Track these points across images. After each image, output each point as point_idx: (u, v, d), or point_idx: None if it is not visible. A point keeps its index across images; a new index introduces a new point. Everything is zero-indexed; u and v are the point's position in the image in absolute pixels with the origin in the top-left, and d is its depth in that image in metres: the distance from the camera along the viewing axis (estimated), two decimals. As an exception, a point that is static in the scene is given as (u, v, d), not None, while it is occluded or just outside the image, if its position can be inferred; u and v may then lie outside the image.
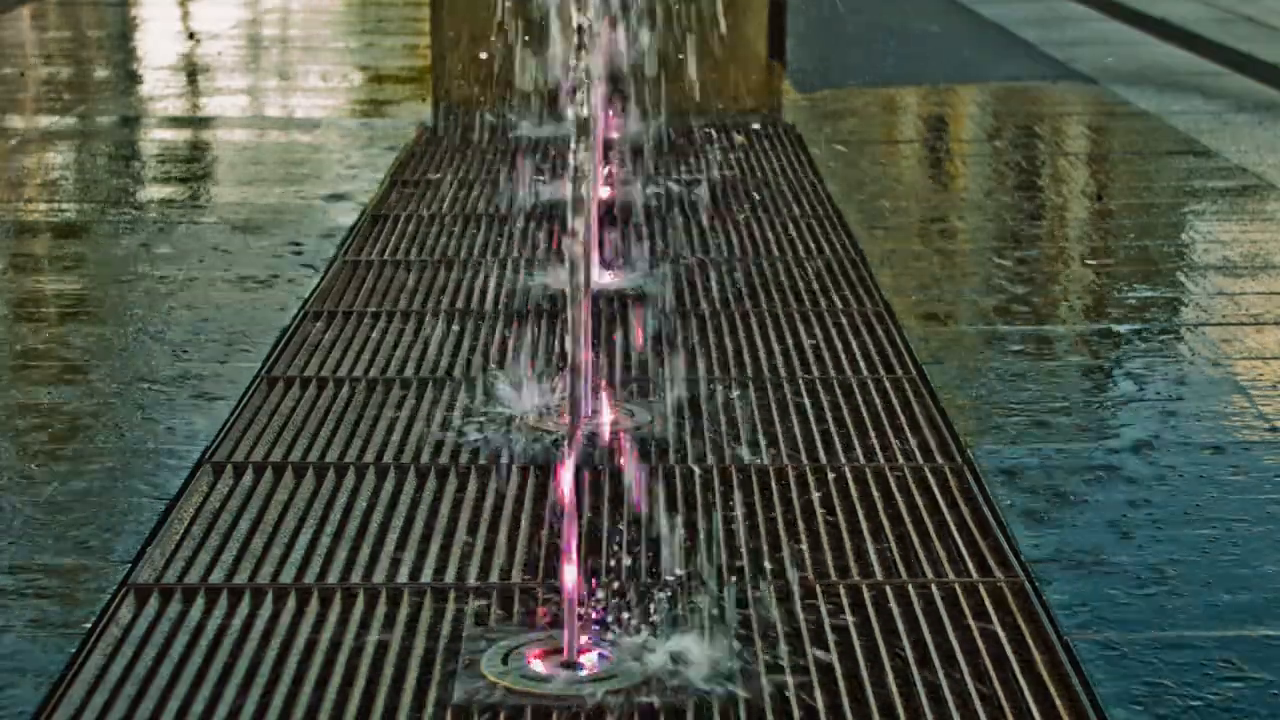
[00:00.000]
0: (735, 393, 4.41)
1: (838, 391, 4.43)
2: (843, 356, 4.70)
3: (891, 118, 8.76)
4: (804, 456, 4.00)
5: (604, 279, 5.35)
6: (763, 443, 4.08)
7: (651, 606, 3.22)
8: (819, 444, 4.07)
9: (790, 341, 4.82)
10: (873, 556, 3.47)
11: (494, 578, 3.37)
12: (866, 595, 3.30)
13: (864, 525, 3.62)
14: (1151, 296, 5.35)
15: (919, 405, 4.33)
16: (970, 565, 3.44)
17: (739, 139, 7.55)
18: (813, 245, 5.84)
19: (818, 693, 2.94)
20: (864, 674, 3.00)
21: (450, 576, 3.37)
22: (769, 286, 5.34)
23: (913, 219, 6.48)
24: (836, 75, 9.47)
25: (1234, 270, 5.62)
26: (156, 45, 10.94)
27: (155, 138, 7.96)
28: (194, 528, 3.60)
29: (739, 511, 3.68)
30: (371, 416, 4.24)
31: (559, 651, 3.04)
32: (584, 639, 3.06)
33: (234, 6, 12.56)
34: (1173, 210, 6.54)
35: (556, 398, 4.32)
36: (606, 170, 6.58)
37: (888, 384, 4.48)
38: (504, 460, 3.96)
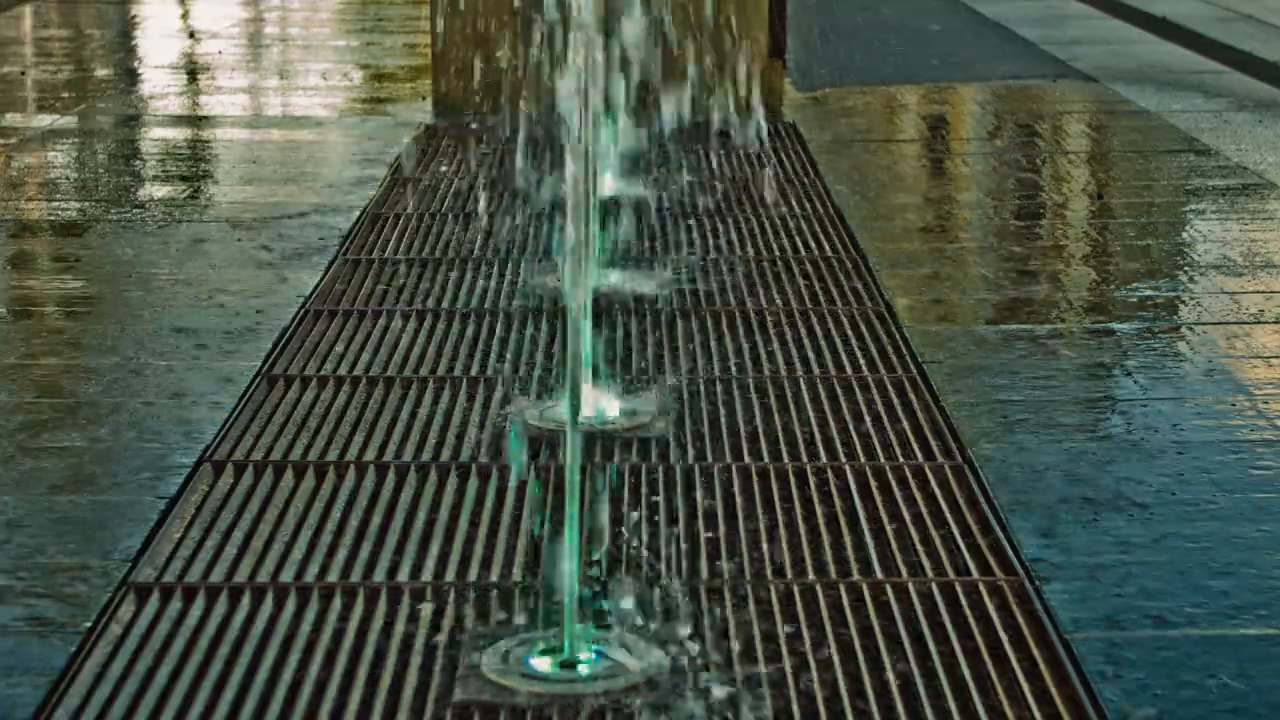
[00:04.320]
0: (735, 391, 4.41)
1: (838, 390, 4.43)
2: (843, 356, 4.70)
3: (892, 116, 8.76)
4: (804, 455, 4.00)
5: (604, 277, 5.35)
6: (763, 441, 4.08)
7: (651, 605, 3.22)
8: (819, 443, 4.07)
9: (790, 341, 4.82)
10: (873, 555, 3.47)
11: (494, 577, 3.37)
12: (867, 594, 3.30)
13: (864, 524, 3.62)
14: (1151, 295, 5.35)
15: (919, 405, 4.33)
16: (970, 564, 3.44)
17: (739, 139, 7.55)
18: (813, 245, 5.84)
19: (818, 692, 2.94)
20: (864, 673, 3.00)
21: (450, 576, 3.37)
22: (769, 286, 5.34)
23: (913, 218, 6.48)
24: (837, 74, 9.47)
25: (1234, 269, 5.62)
26: (156, 44, 10.94)
27: (155, 137, 7.96)
28: (194, 527, 3.60)
29: (739, 510, 3.68)
30: (371, 415, 4.24)
31: (559, 650, 3.04)
32: (583, 638, 3.06)
33: (234, 5, 12.56)
34: (1173, 209, 6.54)
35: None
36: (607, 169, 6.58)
37: (888, 383, 4.48)
38: (504, 458, 3.96)
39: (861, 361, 4.66)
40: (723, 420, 4.22)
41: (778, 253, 5.73)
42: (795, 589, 3.31)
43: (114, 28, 11.88)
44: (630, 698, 2.91)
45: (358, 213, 6.28)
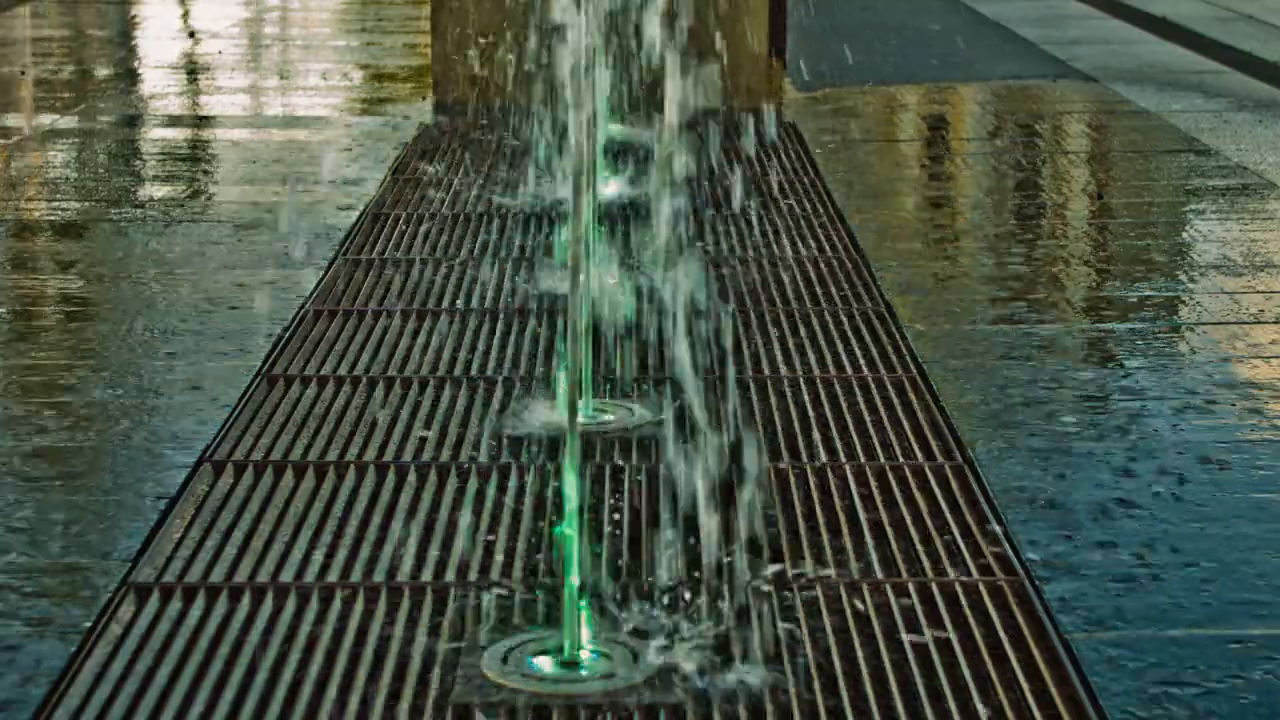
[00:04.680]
0: (735, 391, 4.41)
1: (838, 390, 4.43)
2: (843, 356, 4.70)
3: (892, 116, 8.76)
4: (804, 455, 4.00)
5: (605, 278, 5.35)
6: (763, 441, 4.08)
7: (651, 605, 3.22)
8: (819, 443, 4.07)
9: (790, 341, 4.82)
10: (873, 555, 3.47)
11: (494, 576, 3.37)
12: (867, 594, 3.30)
13: (864, 524, 3.62)
14: (1151, 296, 5.35)
15: (919, 404, 4.33)
16: (970, 564, 3.44)
17: (739, 139, 7.55)
18: (813, 245, 5.84)
19: (818, 692, 2.94)
20: (864, 673, 3.00)
21: (450, 576, 3.37)
22: (769, 286, 5.34)
23: (913, 218, 6.48)
24: (837, 74, 9.47)
25: (1234, 269, 5.62)
26: (156, 44, 10.94)
27: (155, 136, 7.96)
28: (194, 527, 3.60)
29: (739, 510, 3.68)
30: (372, 416, 4.24)
31: (559, 650, 3.04)
32: (583, 638, 3.06)
33: (234, 5, 12.56)
34: (1173, 209, 6.54)
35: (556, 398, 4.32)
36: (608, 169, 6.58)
37: (888, 383, 4.48)
38: (504, 458, 3.96)
39: (861, 361, 4.66)
40: (722, 419, 4.21)
41: (778, 253, 5.73)
42: (795, 588, 3.31)
43: (114, 28, 11.88)
44: (630, 698, 2.91)
45: (358, 213, 6.28)
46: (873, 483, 3.85)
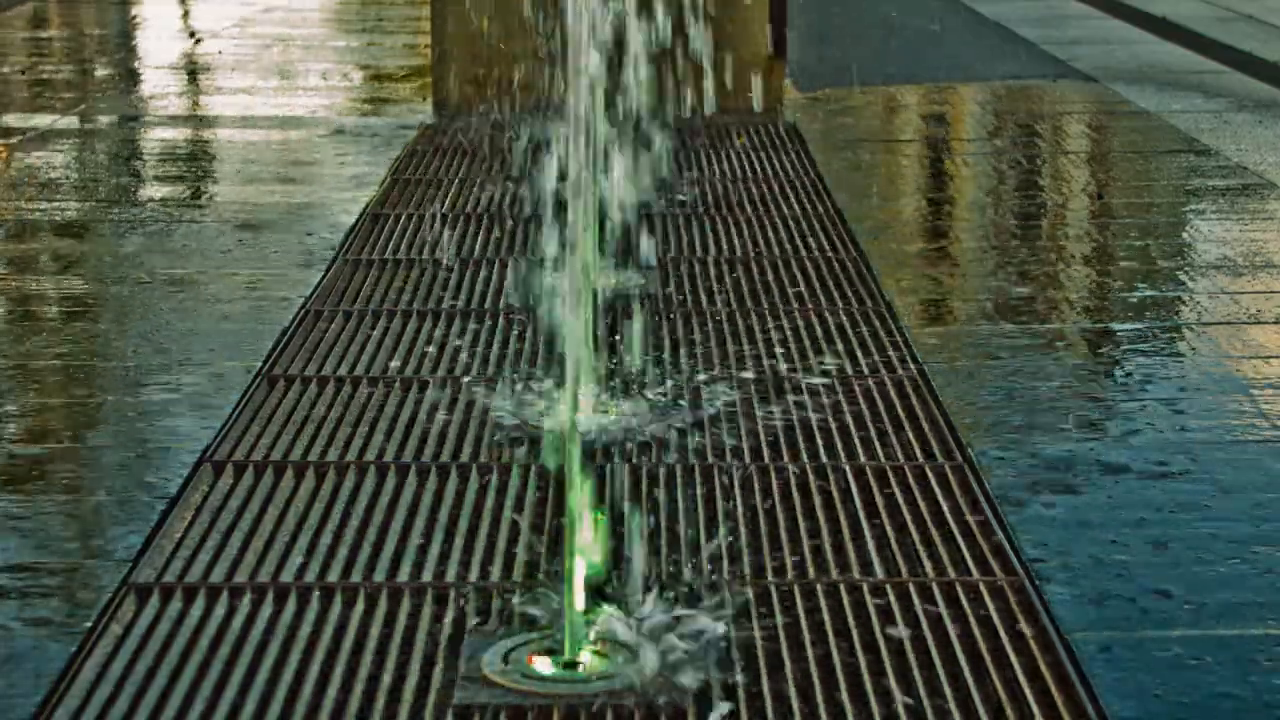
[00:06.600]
0: (736, 391, 4.41)
1: (838, 390, 4.43)
2: (843, 355, 4.70)
3: (892, 116, 8.76)
4: (804, 455, 4.00)
5: (604, 278, 5.35)
6: (763, 441, 4.08)
7: (652, 606, 3.22)
8: (819, 442, 4.07)
9: (791, 341, 4.82)
10: (873, 555, 3.48)
11: (494, 577, 3.37)
12: (867, 594, 3.30)
13: (864, 524, 3.62)
14: (1152, 296, 5.35)
15: (919, 404, 4.33)
16: (971, 564, 3.44)
17: (739, 139, 7.56)
18: (813, 245, 5.84)
19: (819, 692, 2.94)
20: (865, 673, 3.00)
21: (450, 576, 3.37)
22: (769, 286, 5.34)
23: (913, 217, 6.48)
24: (837, 74, 9.47)
25: (1234, 269, 5.62)
26: (157, 44, 10.94)
27: (156, 137, 7.96)
28: (194, 527, 3.60)
29: (739, 510, 3.68)
30: (371, 416, 4.24)
31: (559, 650, 3.04)
32: (584, 638, 3.06)
33: (234, 5, 12.56)
34: (1173, 209, 6.54)
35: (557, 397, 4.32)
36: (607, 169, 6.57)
37: (888, 383, 4.48)
38: (504, 458, 3.96)
39: (862, 360, 4.66)
40: (722, 419, 4.21)
41: (778, 253, 5.73)
42: (795, 588, 3.31)
43: (114, 28, 11.88)
44: (630, 698, 2.91)
45: (358, 213, 6.28)
46: (873, 483, 3.85)
